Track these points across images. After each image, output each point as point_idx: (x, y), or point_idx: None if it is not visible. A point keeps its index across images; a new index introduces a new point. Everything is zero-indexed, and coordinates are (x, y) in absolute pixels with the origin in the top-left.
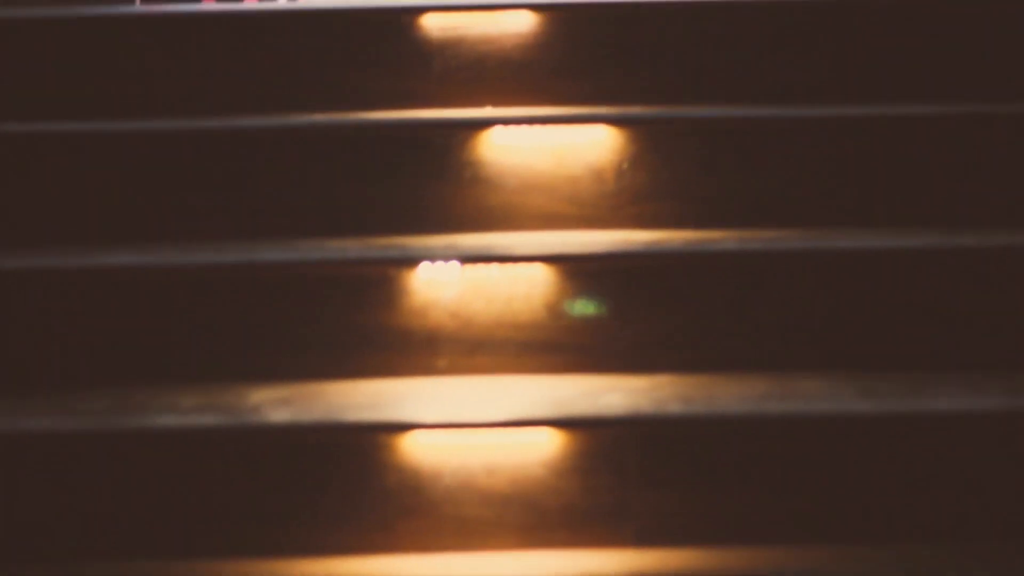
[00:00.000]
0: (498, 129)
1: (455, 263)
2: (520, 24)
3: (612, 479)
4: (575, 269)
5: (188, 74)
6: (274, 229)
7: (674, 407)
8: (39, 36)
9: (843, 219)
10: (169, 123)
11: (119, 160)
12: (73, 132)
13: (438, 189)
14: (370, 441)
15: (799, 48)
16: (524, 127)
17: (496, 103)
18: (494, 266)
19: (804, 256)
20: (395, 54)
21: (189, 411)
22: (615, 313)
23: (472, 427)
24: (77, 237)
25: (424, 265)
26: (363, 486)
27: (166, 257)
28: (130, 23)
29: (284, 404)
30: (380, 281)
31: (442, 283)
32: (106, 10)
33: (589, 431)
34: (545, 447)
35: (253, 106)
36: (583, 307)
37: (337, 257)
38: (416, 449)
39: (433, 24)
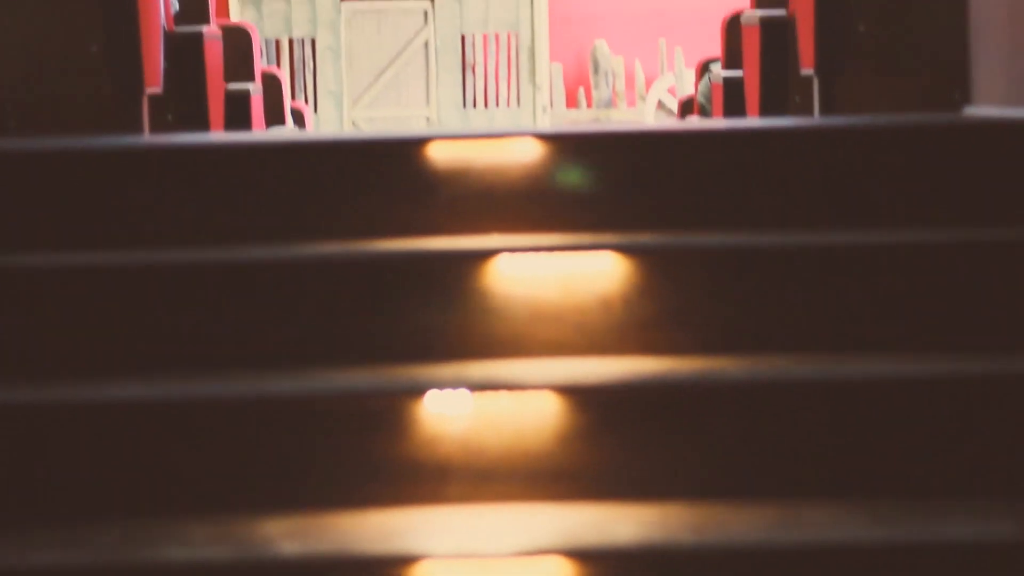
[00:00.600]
0: (505, 258)
1: (464, 392)
2: (526, 153)
3: None
4: (585, 398)
5: (196, 204)
6: (281, 359)
7: (685, 536)
8: (49, 167)
9: (851, 345)
10: (175, 254)
11: (125, 291)
12: (77, 264)
13: (446, 318)
14: (382, 573)
15: (801, 174)
16: (531, 255)
17: (503, 231)
18: (503, 395)
19: (812, 384)
20: (402, 184)
21: (200, 544)
22: (625, 442)
23: (483, 558)
24: (84, 368)
25: (432, 394)
26: None
27: (173, 389)
28: (139, 154)
29: (295, 536)
30: (389, 411)
31: (451, 412)
32: (114, 142)
33: (600, 561)
34: None
35: (260, 236)
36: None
37: (346, 388)
38: None
39: (439, 154)
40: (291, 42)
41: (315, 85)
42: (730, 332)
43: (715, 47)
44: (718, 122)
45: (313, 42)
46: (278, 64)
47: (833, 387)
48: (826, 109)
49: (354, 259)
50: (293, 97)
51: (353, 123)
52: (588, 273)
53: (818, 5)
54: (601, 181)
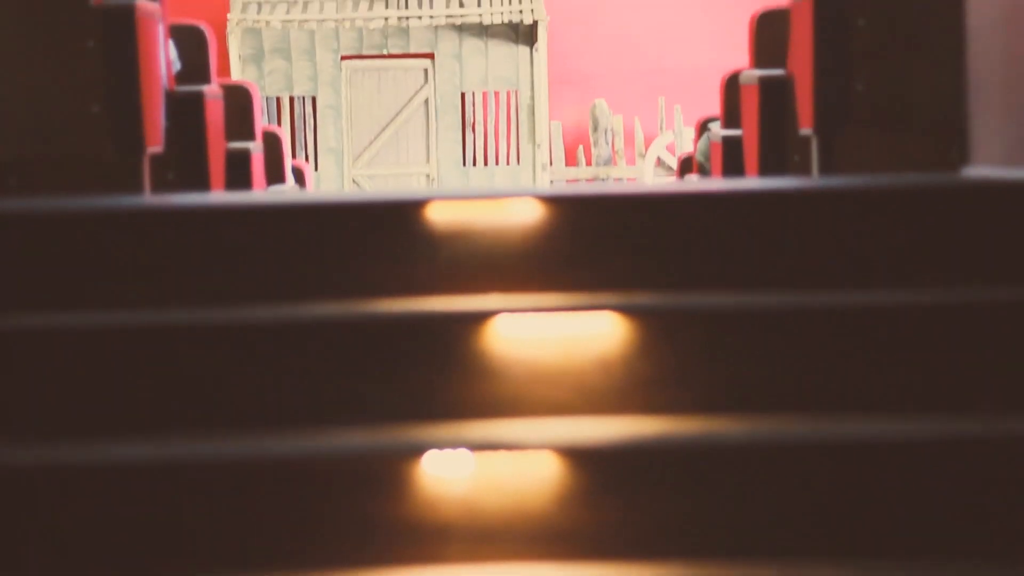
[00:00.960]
0: (504, 319)
1: (464, 452)
2: (526, 214)
3: None
4: (585, 459)
5: (195, 265)
6: (280, 419)
7: None
8: (48, 228)
9: (851, 405)
10: (173, 315)
11: (122, 352)
12: (75, 325)
13: (445, 379)
14: None
15: (799, 235)
16: (530, 316)
17: (502, 291)
18: (503, 455)
19: (812, 445)
20: (402, 245)
21: None
22: (624, 502)
23: None
24: (80, 429)
25: (432, 454)
26: None
27: (170, 450)
28: (138, 215)
29: None
30: (388, 471)
31: (451, 472)
32: (114, 202)
33: None
34: None
35: (260, 296)
36: None
37: (345, 449)
38: None
39: (439, 215)
40: (292, 100)
41: (316, 143)
42: (729, 392)
43: (714, 106)
44: (717, 183)
45: (314, 100)
46: (279, 122)
47: (832, 448)
48: (825, 169)
49: (353, 320)
50: (294, 155)
51: (354, 180)
52: (587, 333)
53: (816, 65)
54: (600, 242)
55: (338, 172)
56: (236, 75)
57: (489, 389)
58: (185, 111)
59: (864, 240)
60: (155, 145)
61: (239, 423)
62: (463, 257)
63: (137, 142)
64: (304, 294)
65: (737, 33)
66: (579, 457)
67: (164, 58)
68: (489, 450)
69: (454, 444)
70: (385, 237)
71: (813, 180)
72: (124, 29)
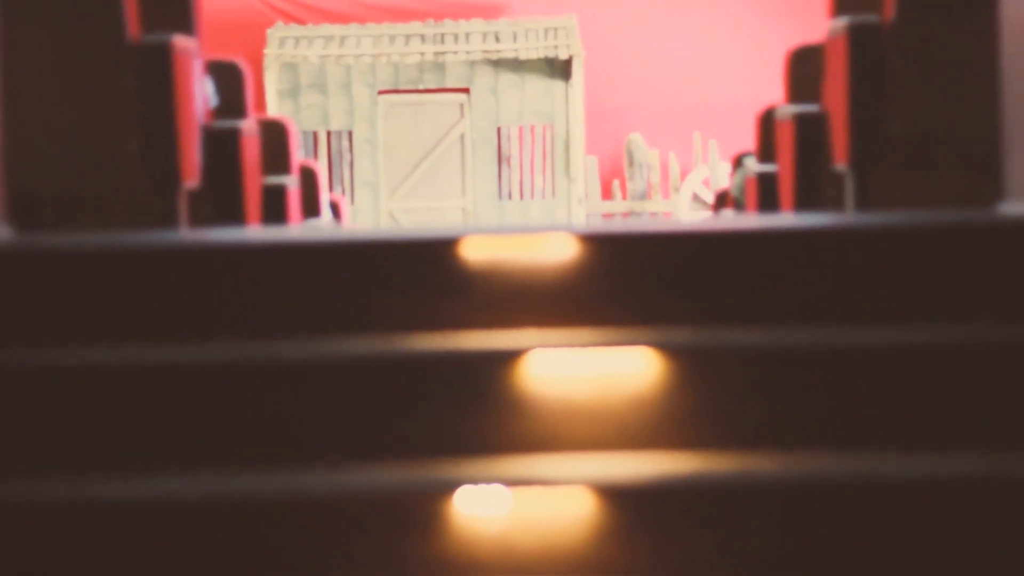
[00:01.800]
0: (538, 354)
1: (498, 487)
2: (561, 250)
3: None
4: (619, 496)
5: (226, 301)
6: (312, 455)
7: None
8: (83, 264)
9: (891, 444)
10: (209, 350)
11: (159, 387)
12: (110, 361)
13: (479, 415)
14: None
15: (835, 272)
16: (564, 351)
17: (537, 327)
18: (537, 490)
19: (849, 484)
20: (435, 281)
21: None
22: (658, 540)
23: None
24: (117, 463)
25: (466, 489)
26: None
27: (205, 485)
28: (173, 252)
29: None
30: (421, 507)
31: (484, 508)
32: (149, 238)
33: None
34: None
35: (293, 331)
36: None
37: (378, 486)
38: None
39: (473, 252)
40: (328, 134)
41: (352, 177)
42: (765, 429)
43: (749, 140)
44: (752, 219)
45: (350, 134)
46: (315, 156)
47: (870, 487)
48: (860, 204)
49: (387, 356)
50: (331, 189)
51: (390, 214)
52: (622, 370)
53: (851, 101)
54: (635, 278)
55: (374, 206)
56: (273, 110)
57: (523, 425)
58: (221, 146)
59: (900, 277)
60: (191, 180)
61: (270, 459)
62: (497, 293)
63: (173, 178)
64: (337, 330)
65: (773, 68)
66: (614, 494)
67: (200, 94)
68: (523, 486)
69: (488, 480)
70: (419, 274)
71: (848, 216)
72: (160, 66)
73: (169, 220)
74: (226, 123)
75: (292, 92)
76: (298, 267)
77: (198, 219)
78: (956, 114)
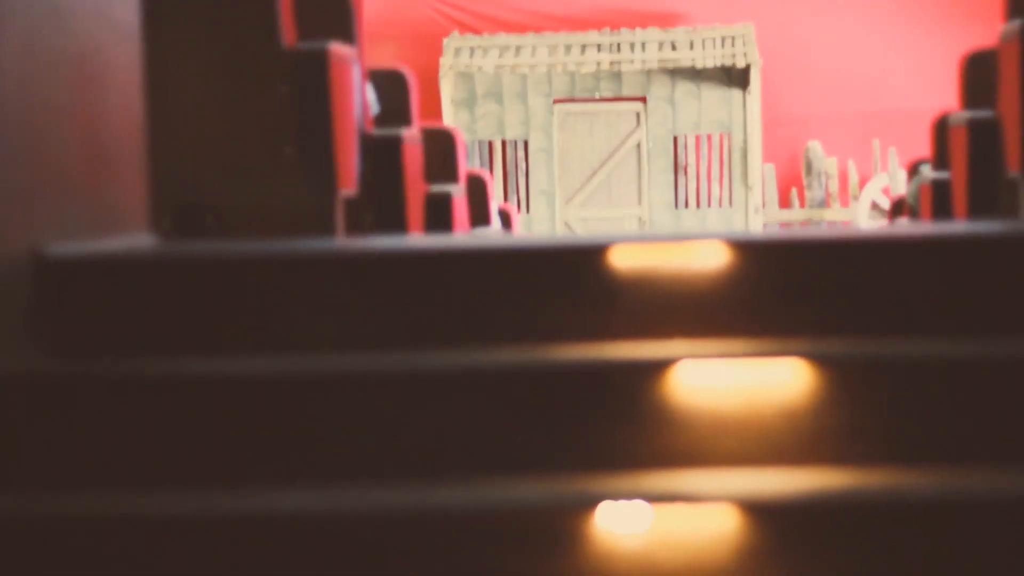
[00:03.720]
0: (686, 365)
1: (640, 503)
2: (711, 259)
3: None
4: (766, 513)
5: (375, 308)
6: (452, 469)
7: None
8: (233, 272)
9: None
10: (353, 359)
11: (307, 397)
12: (265, 370)
13: (623, 428)
14: None
15: (1001, 280)
16: (713, 361)
17: (685, 337)
18: (680, 507)
19: (1008, 499)
20: (583, 290)
21: None
22: (807, 559)
23: None
24: (246, 476)
25: (606, 505)
26: None
27: (338, 501)
28: (327, 261)
29: None
30: (561, 524)
31: (625, 526)
32: (295, 246)
33: None
34: None
35: (439, 340)
36: None
37: (514, 501)
38: None
39: (622, 260)
40: (504, 143)
41: (528, 186)
42: (921, 444)
43: (927, 147)
44: (921, 227)
45: (526, 143)
46: (491, 166)
47: None
48: None
49: (531, 367)
50: (506, 198)
51: (565, 223)
52: (773, 381)
53: None
54: (789, 287)
55: (550, 215)
56: (448, 119)
57: (668, 438)
58: (383, 154)
59: None
60: (348, 188)
61: (407, 473)
62: (646, 302)
63: (330, 185)
64: (481, 339)
65: (950, 74)
66: (760, 511)
67: (359, 101)
68: (666, 502)
69: (630, 495)
70: (567, 282)
71: (1019, 224)
72: (317, 72)
73: (326, 228)
74: (387, 131)
75: (468, 102)
76: (441, 275)
77: (360, 227)
78: None
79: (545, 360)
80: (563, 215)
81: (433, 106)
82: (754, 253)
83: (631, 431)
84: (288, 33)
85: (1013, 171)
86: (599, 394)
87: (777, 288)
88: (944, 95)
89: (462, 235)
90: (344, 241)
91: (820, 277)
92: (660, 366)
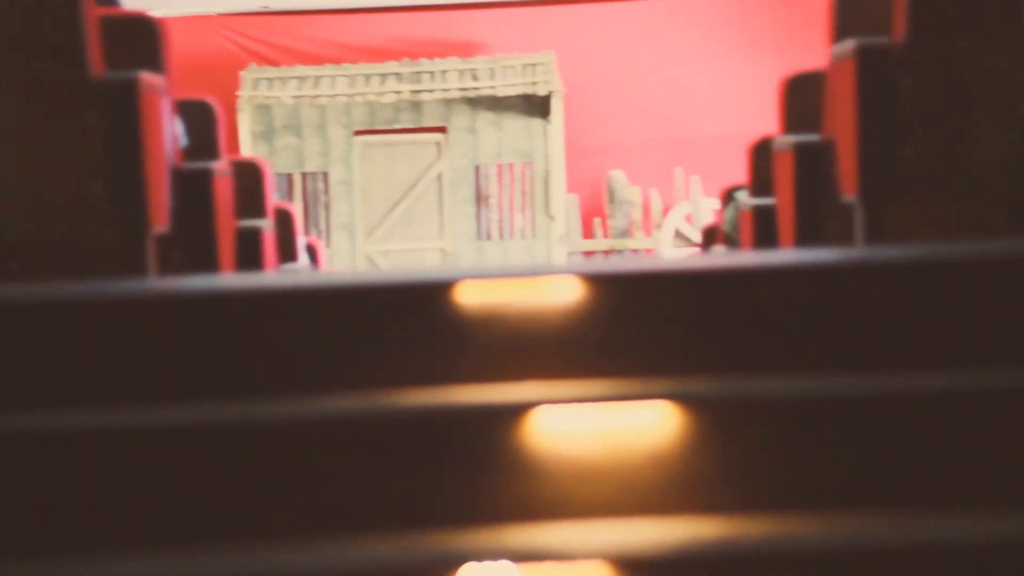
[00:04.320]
0: (544, 410)
1: (506, 564)
2: (565, 294)
3: None
4: (641, 569)
5: (197, 355)
6: (292, 528)
7: None
8: (41, 317)
9: (931, 500)
10: (175, 411)
11: (117, 454)
12: (67, 426)
13: (481, 480)
14: None
15: (858, 312)
16: (573, 407)
17: (542, 379)
18: (548, 566)
19: (895, 550)
20: (428, 329)
21: None
22: None
23: None
24: (65, 543)
25: (470, 567)
26: None
27: (165, 563)
28: (138, 302)
29: None
30: None
31: None
32: (110, 288)
33: None
34: None
35: (271, 389)
36: None
37: (367, 561)
38: None
39: (469, 296)
40: (304, 176)
41: (328, 219)
42: (800, 488)
43: (733, 175)
44: (774, 255)
45: (326, 176)
46: (291, 198)
47: (918, 550)
48: (872, 238)
49: (376, 414)
50: (307, 231)
51: (367, 257)
52: (638, 425)
53: (861, 128)
54: (648, 323)
55: (351, 249)
56: (247, 152)
57: (531, 489)
58: (193, 188)
59: (928, 316)
60: (161, 225)
61: (247, 533)
62: (497, 342)
63: (141, 223)
64: (321, 386)
65: (754, 101)
66: (634, 566)
67: (170, 134)
68: (534, 560)
69: (494, 554)
70: (410, 321)
71: (865, 250)
72: (127, 103)
73: (137, 268)
74: (197, 164)
75: (266, 134)
76: (274, 316)
77: (169, 266)
78: (976, 140)
79: (392, 406)
80: (365, 248)
81: (230, 139)
82: (610, 287)
83: (490, 482)
84: (95, 61)
85: (847, 195)
86: (453, 443)
87: (637, 324)
88: (745, 122)
89: (275, 272)
90: (164, 282)
91: (682, 311)
92: (517, 411)
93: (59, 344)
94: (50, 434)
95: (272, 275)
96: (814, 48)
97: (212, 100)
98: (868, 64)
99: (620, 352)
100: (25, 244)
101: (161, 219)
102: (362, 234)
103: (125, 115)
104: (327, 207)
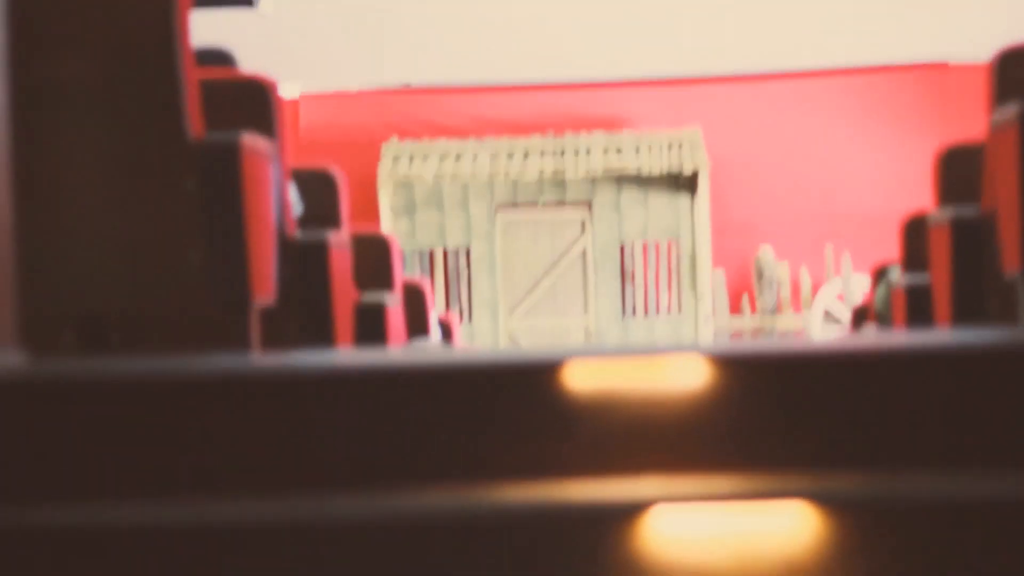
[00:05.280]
0: (662, 510)
1: None
2: (688, 377)
3: None
4: None
5: (273, 443)
6: None
7: None
8: (111, 399)
9: None
10: (243, 505)
11: (203, 552)
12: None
13: None
14: None
15: None
16: (695, 505)
17: (659, 475)
18: None
19: None
20: (533, 415)
21: None
22: None
23: None
24: None
25: None
26: None
27: None
28: (209, 384)
29: None
30: None
31: None
32: (187, 366)
33: None
34: None
35: (351, 481)
36: None
37: None
38: None
39: (580, 379)
40: (445, 252)
41: (470, 296)
42: None
43: (884, 251)
44: (926, 336)
45: (468, 252)
46: (431, 275)
47: None
48: None
49: (468, 513)
50: (448, 307)
51: (509, 334)
52: (771, 529)
53: None
54: (784, 411)
55: (493, 326)
56: (387, 227)
57: None
58: (306, 260)
59: None
60: (265, 297)
61: None
62: (610, 431)
63: (243, 294)
64: (408, 479)
65: (905, 177)
66: None
67: (280, 200)
68: None
69: None
70: (512, 407)
71: None
72: (227, 167)
73: (238, 342)
74: (312, 234)
75: (407, 209)
76: (355, 400)
77: (282, 340)
78: None
79: (487, 504)
80: (507, 326)
81: (371, 214)
82: (740, 369)
83: None
84: (195, 123)
85: (1010, 271)
86: (556, 547)
87: (769, 412)
88: (896, 198)
89: (392, 349)
90: (253, 359)
91: (822, 398)
92: (630, 511)
93: (112, 429)
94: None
95: (369, 351)
96: (968, 123)
97: (338, 170)
98: None
99: (750, 445)
100: (124, 317)
101: (266, 290)
102: (504, 311)
103: (225, 180)
104: (469, 283)
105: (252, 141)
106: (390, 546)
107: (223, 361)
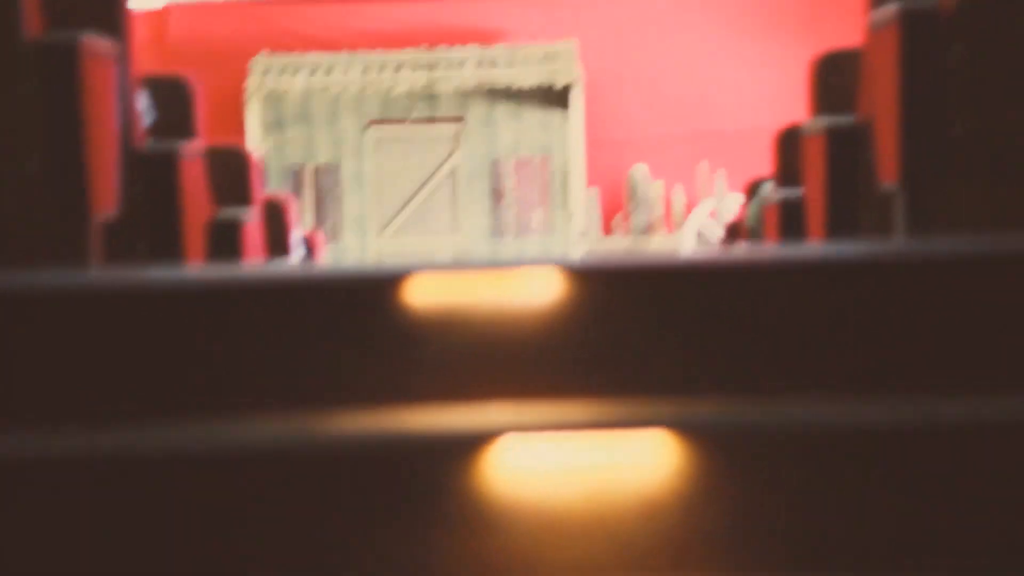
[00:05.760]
0: (512, 441)
1: None
2: (543, 292)
3: None
4: None
5: (92, 361)
6: None
7: None
8: None
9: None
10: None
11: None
12: None
13: (428, 533)
14: None
15: (912, 318)
16: (547, 436)
17: (509, 400)
18: None
19: None
20: (370, 335)
21: None
22: None
23: None
24: None
25: None
26: None
27: None
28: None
29: None
30: None
31: None
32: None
33: None
34: None
35: (184, 406)
36: None
37: None
38: None
39: (423, 294)
40: (316, 169)
41: (340, 213)
42: (825, 544)
43: (762, 168)
44: (798, 248)
45: (338, 168)
46: (300, 192)
47: None
48: (914, 228)
49: (297, 445)
50: (318, 226)
51: (379, 253)
52: (630, 461)
53: (904, 103)
54: (645, 329)
55: (362, 244)
56: (256, 143)
57: (490, 546)
58: (156, 171)
59: (981, 320)
60: (106, 209)
61: None
62: (455, 352)
63: (81, 206)
64: (226, 406)
65: (783, 93)
66: None
67: (126, 108)
68: None
69: None
70: (348, 326)
71: (915, 243)
72: (65, 69)
73: (76, 256)
74: (161, 145)
75: (277, 124)
76: (195, 315)
77: (128, 256)
78: None
79: (315, 435)
80: (376, 245)
81: (241, 129)
82: (599, 284)
83: (441, 537)
84: (33, 22)
85: (887, 182)
86: (393, 483)
87: (630, 332)
88: (777, 115)
89: (262, 265)
90: (89, 273)
91: (686, 317)
92: (476, 442)
93: None
94: None
95: (195, 267)
96: (847, 37)
97: (194, 79)
98: (914, 30)
99: (608, 369)
100: None
101: (107, 203)
102: (374, 230)
103: (63, 83)
104: (339, 201)
105: (94, 43)
106: (208, 479)
107: (47, 276)
